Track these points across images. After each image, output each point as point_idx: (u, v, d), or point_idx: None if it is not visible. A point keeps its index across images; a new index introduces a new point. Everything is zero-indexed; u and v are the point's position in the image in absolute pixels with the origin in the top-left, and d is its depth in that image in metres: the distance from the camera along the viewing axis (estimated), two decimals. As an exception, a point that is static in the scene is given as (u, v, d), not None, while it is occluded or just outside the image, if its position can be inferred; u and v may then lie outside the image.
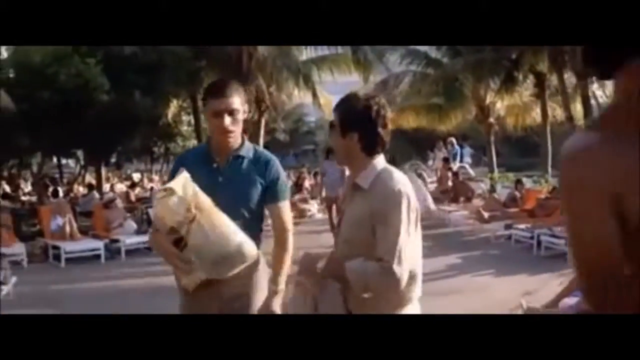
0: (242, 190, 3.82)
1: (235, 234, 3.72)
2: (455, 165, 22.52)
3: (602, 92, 20.04)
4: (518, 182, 16.67)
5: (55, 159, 29.74)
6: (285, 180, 4.18)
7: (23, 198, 20.76)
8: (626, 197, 1.49)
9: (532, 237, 12.67)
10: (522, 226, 13.45)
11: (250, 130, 20.87)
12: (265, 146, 21.01)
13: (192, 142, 25.37)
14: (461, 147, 29.77)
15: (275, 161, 4.08)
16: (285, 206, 4.06)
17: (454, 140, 24.19)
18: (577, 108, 19.73)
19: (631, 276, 1.66)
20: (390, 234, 3.23)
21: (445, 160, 21.65)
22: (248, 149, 3.94)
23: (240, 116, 3.79)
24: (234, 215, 3.69)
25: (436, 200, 17.74)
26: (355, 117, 3.37)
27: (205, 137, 25.78)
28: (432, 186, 20.36)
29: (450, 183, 19.87)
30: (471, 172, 23.34)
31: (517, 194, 16.00)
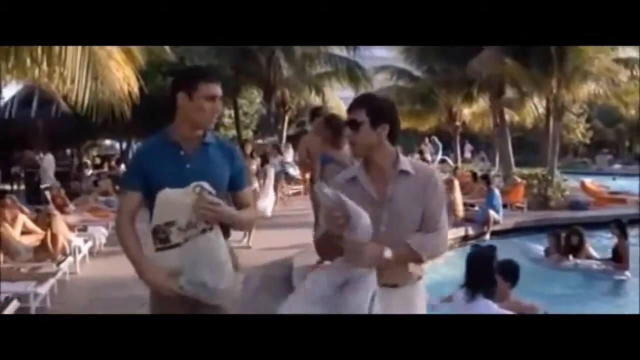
0: (211, 176, 3.83)
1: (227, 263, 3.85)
2: (437, 158, 29.81)
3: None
4: (455, 168, 24.52)
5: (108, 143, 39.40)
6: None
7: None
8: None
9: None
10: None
11: (280, 124, 29.53)
12: (291, 137, 29.54)
13: (232, 132, 33.49)
14: (462, 144, 37.94)
15: (237, 148, 4.32)
16: (249, 191, 4.29)
17: (436, 138, 30.97)
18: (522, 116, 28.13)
19: None
20: (441, 207, 3.90)
21: (420, 152, 29.10)
22: (210, 136, 4.01)
23: None
24: None
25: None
26: (387, 111, 3.83)
27: (242, 128, 34.18)
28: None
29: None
30: (451, 163, 30.72)
31: (453, 177, 23.93)
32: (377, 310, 3.46)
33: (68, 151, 31.69)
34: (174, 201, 3.72)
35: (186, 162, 3.91)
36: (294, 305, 3.62)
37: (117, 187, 21.18)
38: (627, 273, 12.94)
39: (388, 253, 3.56)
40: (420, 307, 3.89)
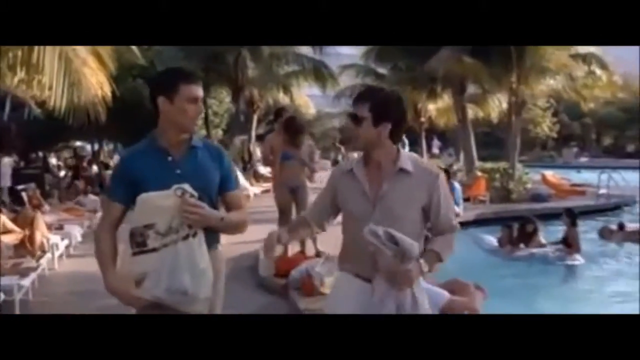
0: (202, 180, 3.74)
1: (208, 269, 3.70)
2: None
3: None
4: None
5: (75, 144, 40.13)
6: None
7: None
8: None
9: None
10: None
11: (249, 123, 30.25)
12: (260, 135, 30.23)
13: (202, 132, 34.09)
14: (430, 139, 39.01)
15: (224, 150, 4.15)
16: (240, 193, 4.19)
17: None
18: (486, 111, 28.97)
19: None
20: (451, 202, 3.98)
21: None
22: (197, 140, 3.88)
23: None
24: None
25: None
26: (391, 108, 3.79)
27: (212, 128, 34.74)
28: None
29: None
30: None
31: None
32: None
33: (40, 153, 32.21)
34: (154, 204, 3.60)
35: (175, 167, 3.78)
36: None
37: (89, 187, 21.87)
38: (579, 257, 13.96)
39: (425, 267, 3.71)
40: (422, 299, 3.84)
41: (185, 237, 3.62)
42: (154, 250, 3.59)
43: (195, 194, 3.62)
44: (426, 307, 3.79)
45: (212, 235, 3.86)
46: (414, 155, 4.13)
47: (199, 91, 3.78)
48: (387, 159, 3.84)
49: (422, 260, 3.70)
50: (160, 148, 3.81)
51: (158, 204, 3.59)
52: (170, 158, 3.80)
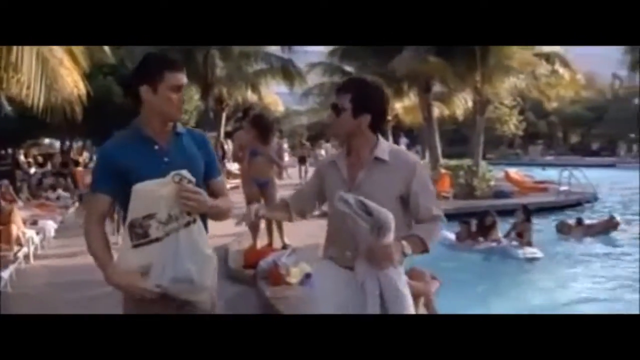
0: (191, 167, 3.66)
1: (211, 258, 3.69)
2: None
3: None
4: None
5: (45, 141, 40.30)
6: None
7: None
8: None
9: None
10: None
11: (218, 121, 30.68)
12: (230, 133, 30.67)
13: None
14: (398, 137, 39.71)
15: (207, 137, 4.13)
16: (224, 180, 4.16)
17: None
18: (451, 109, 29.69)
19: None
20: (431, 192, 3.97)
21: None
22: (181, 127, 3.85)
23: None
24: None
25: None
26: (372, 100, 3.86)
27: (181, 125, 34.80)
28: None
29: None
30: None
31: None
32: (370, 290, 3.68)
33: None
34: (152, 193, 3.50)
35: (163, 156, 3.70)
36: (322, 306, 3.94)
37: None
38: (535, 250, 14.77)
39: (407, 249, 3.72)
40: (403, 286, 3.81)
41: (187, 225, 3.56)
42: (157, 240, 3.51)
43: (193, 179, 3.56)
44: (407, 292, 3.80)
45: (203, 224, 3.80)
46: (395, 146, 4.19)
47: (184, 78, 3.69)
48: (366, 149, 3.90)
49: (404, 242, 3.72)
50: (145, 137, 3.73)
51: (157, 193, 3.50)
52: (156, 147, 3.72)
